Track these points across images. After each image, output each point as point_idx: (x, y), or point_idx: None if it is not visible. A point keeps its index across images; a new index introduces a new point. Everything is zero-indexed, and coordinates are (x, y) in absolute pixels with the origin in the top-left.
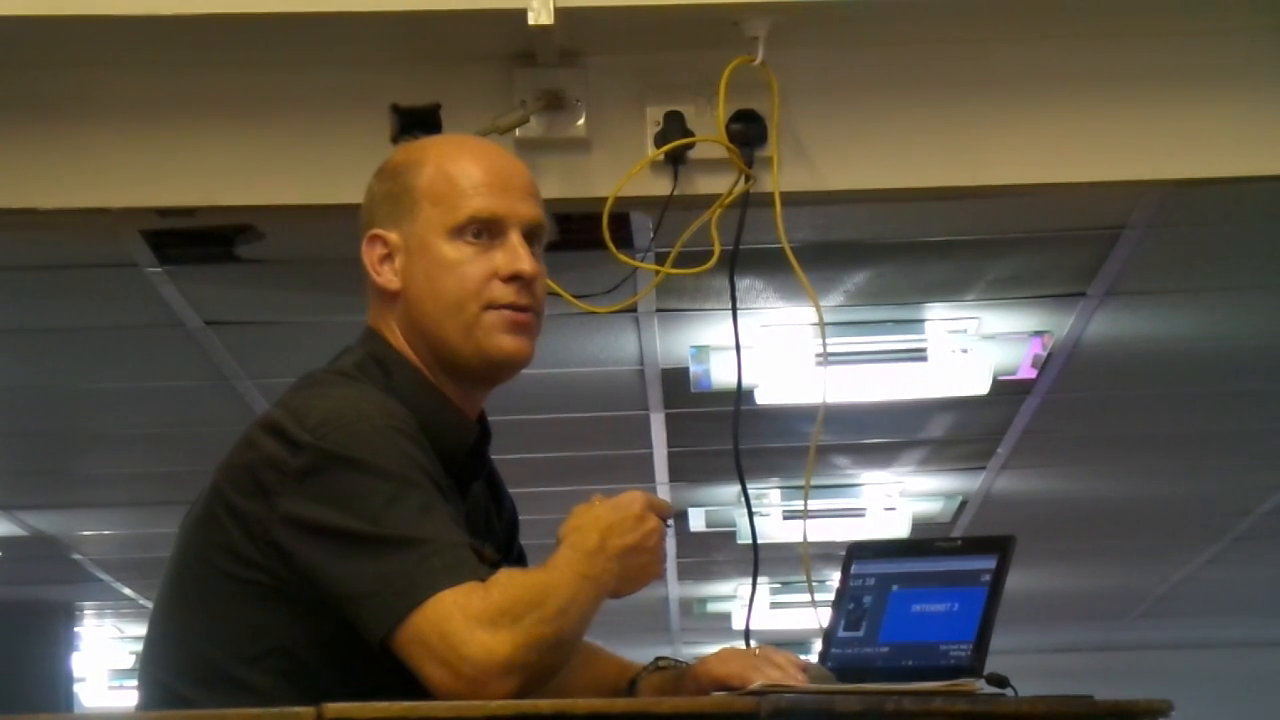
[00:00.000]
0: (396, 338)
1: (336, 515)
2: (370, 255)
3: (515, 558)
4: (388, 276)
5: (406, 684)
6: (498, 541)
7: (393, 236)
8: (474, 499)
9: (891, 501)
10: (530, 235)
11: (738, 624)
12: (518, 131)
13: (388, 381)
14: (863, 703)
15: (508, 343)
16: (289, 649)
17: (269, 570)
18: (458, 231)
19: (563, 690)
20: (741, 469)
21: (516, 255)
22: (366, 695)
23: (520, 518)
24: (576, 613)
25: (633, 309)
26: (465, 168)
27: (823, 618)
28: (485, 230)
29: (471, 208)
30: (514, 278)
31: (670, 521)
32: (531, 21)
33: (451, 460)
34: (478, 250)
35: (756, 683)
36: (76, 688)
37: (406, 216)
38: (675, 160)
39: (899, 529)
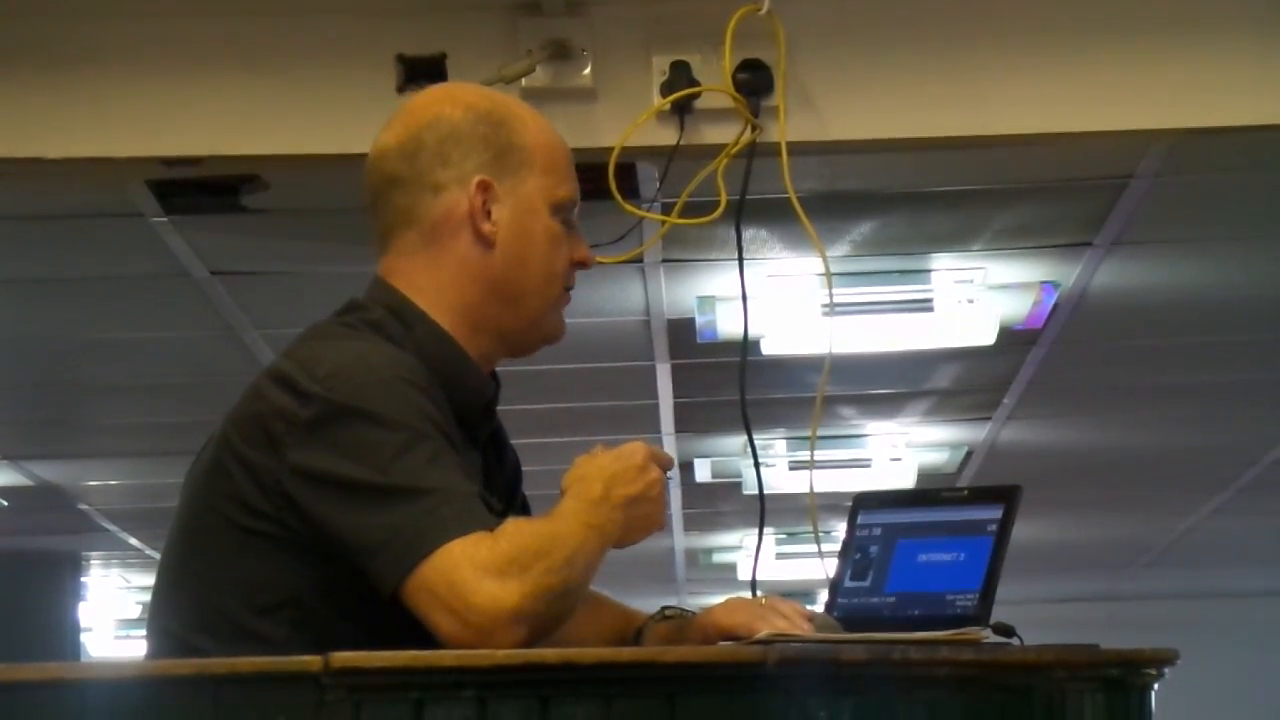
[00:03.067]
0: (423, 294)
1: (345, 466)
2: (477, 200)
3: (519, 508)
4: (489, 226)
5: (419, 634)
6: (500, 492)
7: (497, 188)
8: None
9: (897, 452)
10: None
11: (744, 574)
12: (523, 81)
13: (407, 334)
14: (869, 652)
15: (563, 327)
16: (301, 599)
17: (279, 521)
18: (558, 208)
19: (569, 640)
20: (748, 419)
21: (587, 246)
22: (379, 645)
23: (526, 468)
24: (583, 562)
25: (638, 259)
26: (561, 142)
27: (829, 568)
28: (570, 214)
29: (574, 188)
30: (582, 265)
31: (671, 473)
32: None
33: (467, 413)
34: (566, 230)
35: (763, 632)
36: (83, 637)
37: (511, 173)
38: (681, 110)
39: (905, 479)
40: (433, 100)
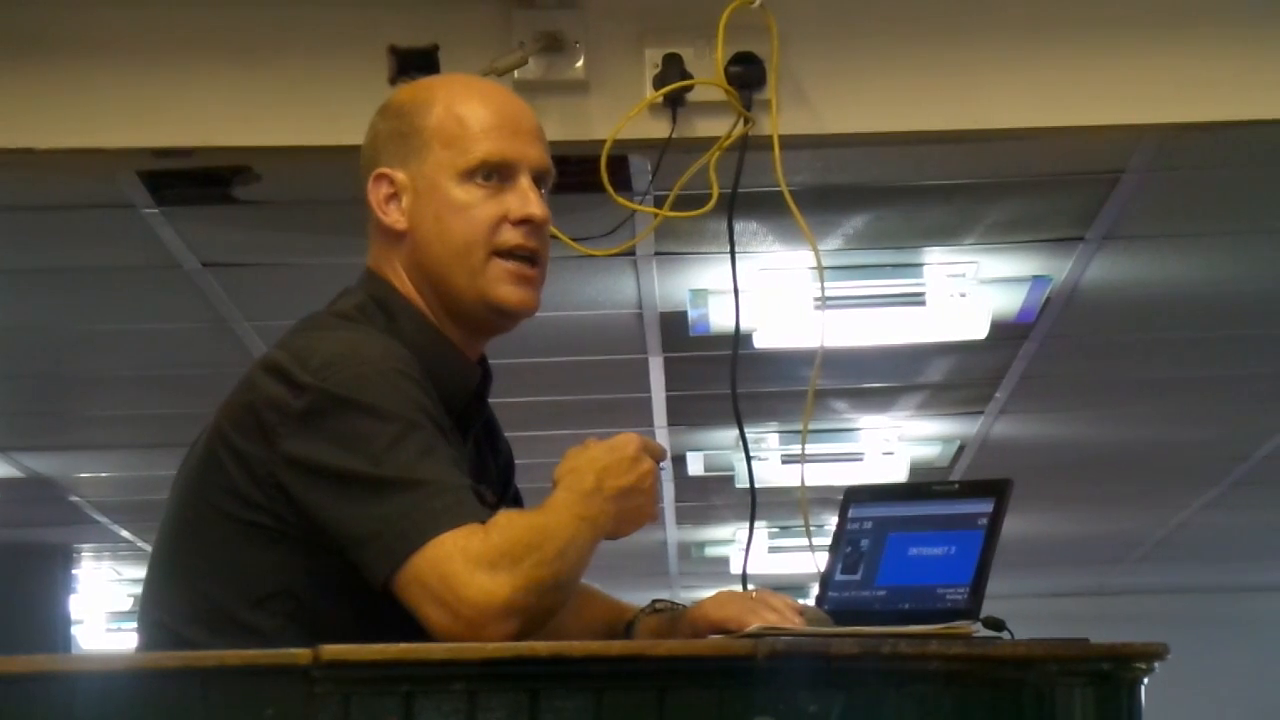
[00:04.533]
0: (400, 280)
1: (338, 457)
2: (376, 194)
3: (511, 500)
4: (394, 216)
5: (412, 626)
6: (494, 484)
7: (400, 176)
8: (473, 441)
9: (890, 446)
10: (538, 179)
11: (735, 568)
12: (516, 73)
13: (390, 324)
14: (859, 645)
15: (513, 294)
16: (293, 591)
17: (272, 512)
18: (468, 174)
19: (560, 632)
20: (739, 413)
21: (527, 199)
22: (372, 637)
23: (519, 461)
24: (575, 554)
25: (631, 252)
26: (476, 110)
27: (820, 561)
28: (496, 173)
29: (483, 151)
30: (524, 221)
31: (664, 465)
32: None
33: (454, 403)
34: (488, 194)
35: (753, 625)
36: (74, 630)
37: (415, 157)
38: (674, 103)
39: (897, 473)
40: (378, 110)
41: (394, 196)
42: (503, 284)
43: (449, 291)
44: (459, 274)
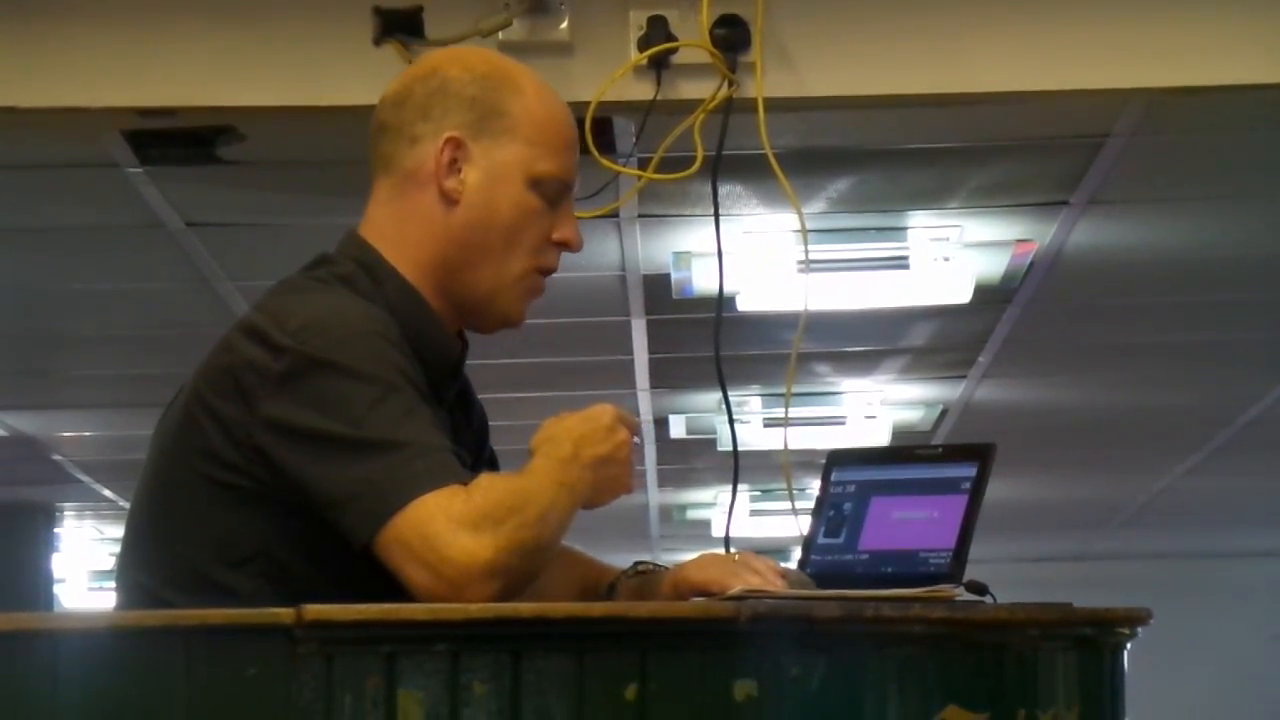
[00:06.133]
0: (391, 247)
1: (318, 419)
2: (443, 156)
3: (487, 463)
4: (454, 184)
5: (391, 587)
6: (469, 448)
7: (473, 149)
8: (447, 407)
9: (872, 410)
10: None
11: (717, 531)
12: (500, 35)
13: (377, 290)
14: (841, 609)
15: (523, 314)
16: (272, 553)
17: (250, 474)
18: (538, 183)
19: (542, 594)
20: (722, 376)
21: (575, 227)
22: (349, 599)
23: (501, 423)
24: (555, 518)
25: (615, 214)
26: (560, 117)
27: (803, 525)
28: (556, 192)
29: (560, 166)
30: (566, 246)
31: (638, 439)
32: None
33: (434, 373)
34: (544, 207)
35: (735, 588)
36: (56, 588)
37: (490, 136)
38: (658, 65)
39: (879, 437)
40: (439, 57)
41: (454, 163)
42: (522, 302)
43: (466, 278)
44: (491, 270)
